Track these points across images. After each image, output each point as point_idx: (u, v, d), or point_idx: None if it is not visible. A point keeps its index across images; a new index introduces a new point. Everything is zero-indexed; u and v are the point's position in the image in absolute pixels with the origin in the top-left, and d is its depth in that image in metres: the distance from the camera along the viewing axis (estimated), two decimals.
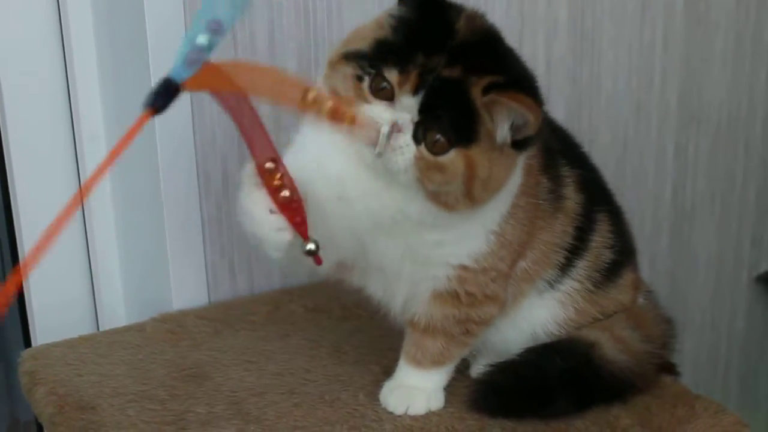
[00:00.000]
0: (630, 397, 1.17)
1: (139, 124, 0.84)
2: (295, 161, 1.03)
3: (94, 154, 1.49)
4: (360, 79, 0.99)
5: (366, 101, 0.99)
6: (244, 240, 1.48)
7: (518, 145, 1.01)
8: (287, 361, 1.30)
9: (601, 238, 1.19)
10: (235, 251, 1.50)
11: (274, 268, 1.54)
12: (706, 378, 2.15)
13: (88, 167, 1.49)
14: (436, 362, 1.15)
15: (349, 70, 1.00)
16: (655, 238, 1.96)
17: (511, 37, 1.62)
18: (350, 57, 1.00)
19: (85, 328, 1.57)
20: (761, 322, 2.22)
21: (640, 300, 1.28)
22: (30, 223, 1.51)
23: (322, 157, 1.04)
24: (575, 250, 1.16)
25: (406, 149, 0.97)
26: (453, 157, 0.97)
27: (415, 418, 1.13)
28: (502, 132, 0.98)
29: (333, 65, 1.02)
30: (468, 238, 1.08)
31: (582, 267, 1.17)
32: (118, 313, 1.58)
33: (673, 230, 1.99)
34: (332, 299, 1.45)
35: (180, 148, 1.42)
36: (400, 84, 0.97)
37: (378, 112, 0.98)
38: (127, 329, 1.41)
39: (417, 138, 0.98)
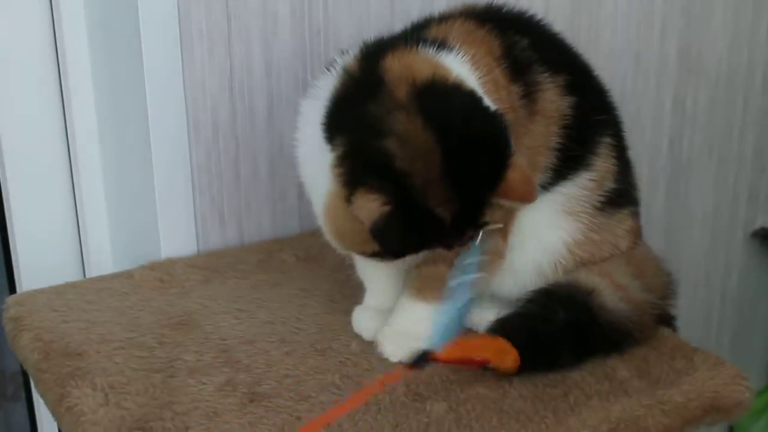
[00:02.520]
0: (628, 348, 1.15)
1: (393, 378, 1.04)
2: None
3: (88, 160, 1.51)
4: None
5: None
6: (234, 190, 1.48)
7: None
8: (278, 309, 1.27)
9: (604, 164, 1.18)
10: (224, 201, 1.48)
11: (264, 218, 1.52)
12: (699, 333, 2.14)
13: (82, 175, 1.51)
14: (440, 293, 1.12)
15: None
16: (651, 192, 1.94)
17: None
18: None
19: (71, 276, 1.56)
20: (755, 278, 2.21)
21: (642, 249, 1.26)
22: (23, 231, 1.52)
23: None
24: (570, 155, 1.15)
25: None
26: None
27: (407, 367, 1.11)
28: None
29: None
30: None
31: (585, 178, 1.16)
32: (105, 262, 1.56)
33: (669, 184, 1.97)
34: (324, 248, 1.41)
35: (169, 95, 1.39)
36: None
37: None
38: (115, 276, 1.38)
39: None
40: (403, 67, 1.02)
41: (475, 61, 1.08)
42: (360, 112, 1.00)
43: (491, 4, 1.21)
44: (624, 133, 1.25)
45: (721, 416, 1.11)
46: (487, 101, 1.03)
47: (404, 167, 0.97)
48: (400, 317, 1.15)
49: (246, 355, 1.15)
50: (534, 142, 1.13)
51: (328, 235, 1.08)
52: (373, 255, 1.05)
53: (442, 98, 1.01)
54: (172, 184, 1.42)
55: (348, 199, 0.99)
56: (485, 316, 1.15)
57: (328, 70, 1.11)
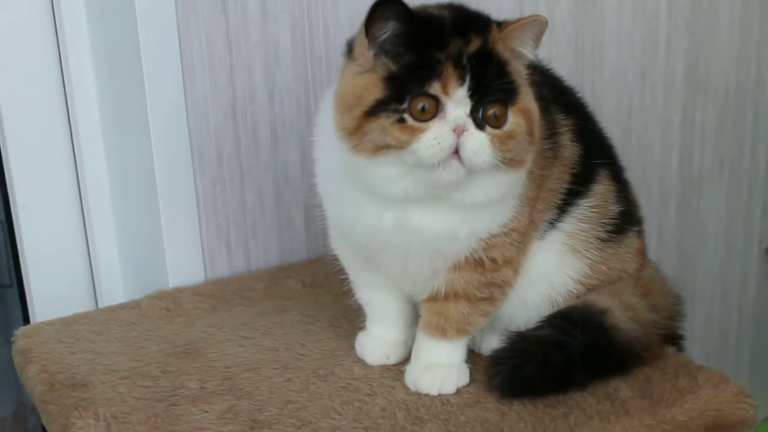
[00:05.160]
0: (635, 369, 1.15)
1: None
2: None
3: (97, 191, 1.52)
4: (402, 120, 0.97)
5: (420, 132, 0.97)
6: (240, 217, 1.49)
7: None
8: (283, 336, 1.28)
9: (604, 188, 1.18)
10: (231, 228, 1.49)
11: (271, 245, 1.52)
12: (716, 351, 2.12)
13: (92, 206, 1.52)
14: (459, 330, 1.13)
15: (383, 121, 0.98)
16: (662, 210, 1.93)
17: (510, 5, 1.62)
18: (373, 111, 0.99)
19: (84, 306, 1.57)
20: None
21: (648, 271, 1.26)
22: (35, 262, 1.53)
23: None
24: (573, 192, 1.16)
25: (482, 143, 0.98)
26: (514, 119, 1.00)
27: (407, 392, 1.12)
28: (531, 51, 1.04)
29: (354, 132, 1.00)
30: (504, 211, 1.08)
31: (586, 207, 1.16)
32: (116, 290, 1.58)
33: (680, 201, 1.95)
34: (331, 275, 1.42)
35: (172, 125, 1.41)
36: (445, 87, 0.97)
37: (438, 133, 0.97)
38: (123, 306, 1.40)
39: (480, 125, 0.98)
40: None
41: None
42: None
43: None
44: (618, 158, 1.25)
45: None
46: None
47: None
48: (426, 353, 1.15)
49: (249, 382, 1.15)
50: (552, 186, 1.14)
51: (336, 114, 1.03)
52: (371, 112, 0.99)
53: None
54: (178, 214, 1.43)
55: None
56: (491, 343, 1.16)
57: None
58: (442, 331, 1.13)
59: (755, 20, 1.93)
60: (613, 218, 1.19)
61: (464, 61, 0.98)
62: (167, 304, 1.38)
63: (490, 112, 0.99)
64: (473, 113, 0.98)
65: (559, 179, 1.15)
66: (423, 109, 0.97)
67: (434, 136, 0.97)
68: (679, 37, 1.83)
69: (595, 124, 1.25)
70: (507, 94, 1.00)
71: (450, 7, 1.06)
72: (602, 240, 1.18)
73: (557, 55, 1.70)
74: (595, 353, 1.11)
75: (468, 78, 0.98)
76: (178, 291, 1.42)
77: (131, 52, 1.36)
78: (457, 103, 0.98)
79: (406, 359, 1.18)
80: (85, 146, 1.50)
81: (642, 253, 1.25)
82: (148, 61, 1.36)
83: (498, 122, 0.99)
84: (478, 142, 0.98)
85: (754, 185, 2.06)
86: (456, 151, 0.97)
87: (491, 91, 0.99)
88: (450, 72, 0.97)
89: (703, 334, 2.07)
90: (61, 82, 1.49)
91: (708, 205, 2.00)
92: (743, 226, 2.08)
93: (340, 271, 1.24)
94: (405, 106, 0.97)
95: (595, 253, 1.17)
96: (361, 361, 1.20)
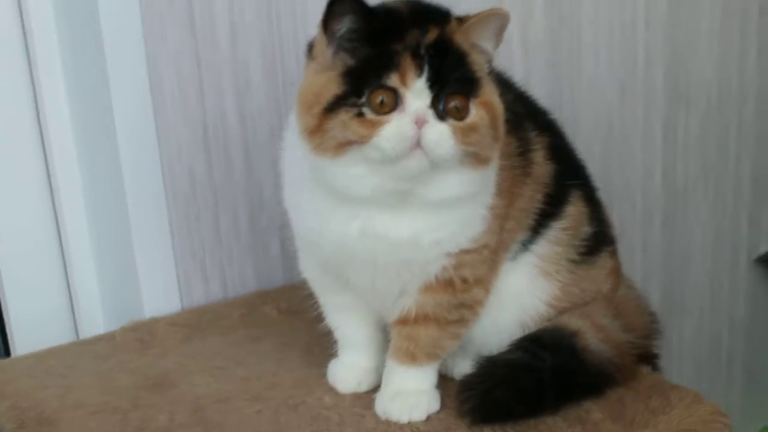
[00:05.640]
0: (608, 390, 1.13)
1: None
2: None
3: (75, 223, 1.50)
4: (361, 114, 0.96)
5: (380, 125, 0.96)
6: (215, 243, 1.48)
7: None
8: (256, 365, 1.27)
9: (576, 209, 1.17)
10: (206, 255, 1.48)
11: (247, 270, 1.51)
12: (708, 364, 2.10)
13: (70, 238, 1.50)
14: (429, 354, 1.11)
15: (343, 116, 0.97)
16: (647, 224, 1.91)
17: None
18: (332, 107, 0.97)
19: (64, 337, 1.55)
20: (764, 305, 2.16)
21: (622, 291, 1.24)
22: (15, 296, 1.52)
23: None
24: (545, 213, 1.14)
25: (443, 134, 0.96)
26: (476, 112, 0.98)
27: (377, 421, 1.10)
28: (492, 47, 1.02)
29: (316, 130, 0.98)
30: (472, 223, 1.06)
31: (558, 229, 1.15)
32: (96, 322, 1.56)
33: (666, 214, 1.94)
34: (308, 299, 1.41)
35: (142, 152, 1.40)
36: (403, 78, 0.96)
37: (399, 125, 0.95)
38: (97, 339, 1.39)
39: (441, 116, 0.96)
40: None
41: None
42: None
43: None
44: (591, 178, 1.24)
45: None
46: None
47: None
48: (396, 379, 1.13)
49: (219, 413, 1.14)
50: (524, 205, 1.13)
51: (297, 114, 1.02)
52: (330, 108, 0.98)
53: None
54: (151, 242, 1.42)
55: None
56: (463, 367, 1.14)
57: None
58: (412, 357, 1.11)
59: (735, 30, 1.92)
60: (585, 240, 1.17)
61: (422, 51, 0.96)
62: (141, 335, 1.37)
63: (452, 104, 0.97)
64: (434, 105, 0.96)
65: (531, 198, 1.13)
66: (382, 102, 0.96)
67: (394, 129, 0.95)
68: (658, 49, 1.82)
69: (568, 144, 1.23)
70: (467, 86, 0.98)
71: (408, 2, 1.04)
72: (574, 262, 1.16)
73: (534, 71, 1.69)
74: (565, 376, 1.09)
75: (426, 68, 0.96)
76: (154, 321, 1.41)
77: (99, 82, 1.36)
78: (417, 94, 0.96)
79: (378, 386, 1.16)
80: (61, 177, 1.48)
81: (616, 272, 1.24)
82: (116, 90, 1.35)
83: (459, 114, 0.97)
84: (439, 133, 0.96)
85: (739, 196, 2.04)
86: (419, 144, 0.95)
87: (450, 82, 0.97)
88: (407, 63, 0.96)
89: (693, 348, 2.06)
90: (36, 114, 1.48)
91: (694, 218, 1.99)
92: (730, 237, 2.06)
93: (310, 296, 1.23)
94: (364, 100, 0.96)
95: (567, 275, 1.16)
96: (332, 390, 1.18)
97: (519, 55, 1.66)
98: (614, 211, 1.80)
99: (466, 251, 1.06)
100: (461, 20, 1.00)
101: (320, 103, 0.98)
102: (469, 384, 1.09)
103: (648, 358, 1.20)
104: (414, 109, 0.95)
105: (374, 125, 0.95)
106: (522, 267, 1.14)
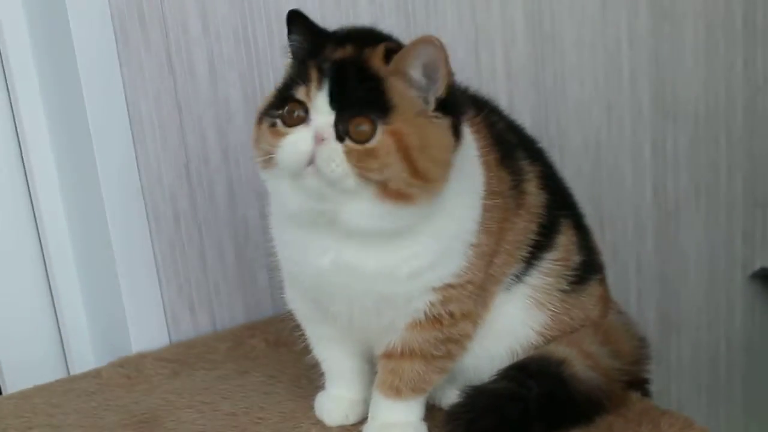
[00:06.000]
0: (597, 417, 1.11)
1: None
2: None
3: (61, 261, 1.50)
4: (274, 125, 0.97)
5: (283, 137, 0.96)
6: (201, 277, 1.47)
7: (445, 107, 0.98)
8: (243, 399, 1.25)
9: (566, 239, 1.16)
10: (193, 289, 1.47)
11: (236, 303, 1.50)
12: (707, 381, 2.08)
13: (57, 276, 1.50)
14: (415, 389, 1.10)
15: (263, 126, 0.98)
16: (639, 242, 1.90)
17: (466, 49, 1.60)
18: (260, 118, 1.00)
19: (56, 375, 1.54)
20: (761, 320, 2.14)
21: (611, 317, 1.23)
22: (3, 334, 1.51)
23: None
24: (539, 245, 1.13)
25: (334, 153, 0.94)
26: (380, 138, 0.95)
27: None
28: (423, 78, 0.96)
29: (254, 141, 1.01)
30: (450, 257, 1.04)
31: (551, 260, 1.14)
32: (86, 358, 1.56)
33: (657, 231, 1.92)
34: (295, 330, 1.40)
35: (125, 190, 1.39)
36: (308, 91, 0.96)
37: (296, 138, 0.95)
38: (84, 376, 1.38)
39: (341, 136, 0.95)
40: None
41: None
42: None
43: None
44: (578, 205, 1.23)
45: None
46: None
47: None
48: (382, 412, 1.12)
49: None
50: (516, 237, 1.11)
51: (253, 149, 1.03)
52: (259, 119, 1.00)
53: None
54: (137, 278, 1.42)
55: None
56: (452, 397, 1.13)
57: None
58: (397, 391, 1.10)
59: (720, 43, 1.91)
60: (575, 270, 1.16)
61: (325, 65, 0.96)
62: (128, 371, 1.36)
63: (354, 126, 0.94)
64: (337, 124, 0.95)
65: (525, 229, 1.12)
66: (295, 115, 0.96)
67: (291, 141, 0.95)
68: (643, 66, 1.82)
69: (557, 172, 1.22)
70: (375, 110, 0.95)
71: (359, 26, 1.05)
72: (565, 292, 1.15)
73: (518, 94, 1.68)
74: (552, 404, 1.08)
75: (327, 83, 0.95)
76: (141, 357, 1.40)
77: (79, 119, 1.36)
78: (319, 109, 0.95)
79: (366, 418, 1.15)
80: (47, 220, 1.48)
81: (604, 299, 1.23)
82: (96, 126, 1.35)
83: (361, 137, 0.94)
84: (329, 151, 0.94)
85: (733, 210, 2.03)
86: (313, 161, 0.95)
87: (355, 102, 0.95)
88: (313, 76, 0.96)
89: (692, 365, 2.04)
90: (21, 163, 1.48)
91: (687, 234, 1.97)
92: (725, 252, 2.05)
93: (297, 327, 1.22)
94: (282, 111, 0.97)
95: (558, 304, 1.15)
96: (319, 422, 1.17)
97: (502, 78, 1.65)
98: (606, 231, 1.81)
99: (451, 286, 1.05)
100: (388, 53, 0.98)
101: (258, 113, 1.01)
102: (454, 414, 1.08)
103: (638, 383, 1.19)
104: (316, 124, 0.95)
105: (279, 136, 0.96)
106: (516, 298, 1.13)
